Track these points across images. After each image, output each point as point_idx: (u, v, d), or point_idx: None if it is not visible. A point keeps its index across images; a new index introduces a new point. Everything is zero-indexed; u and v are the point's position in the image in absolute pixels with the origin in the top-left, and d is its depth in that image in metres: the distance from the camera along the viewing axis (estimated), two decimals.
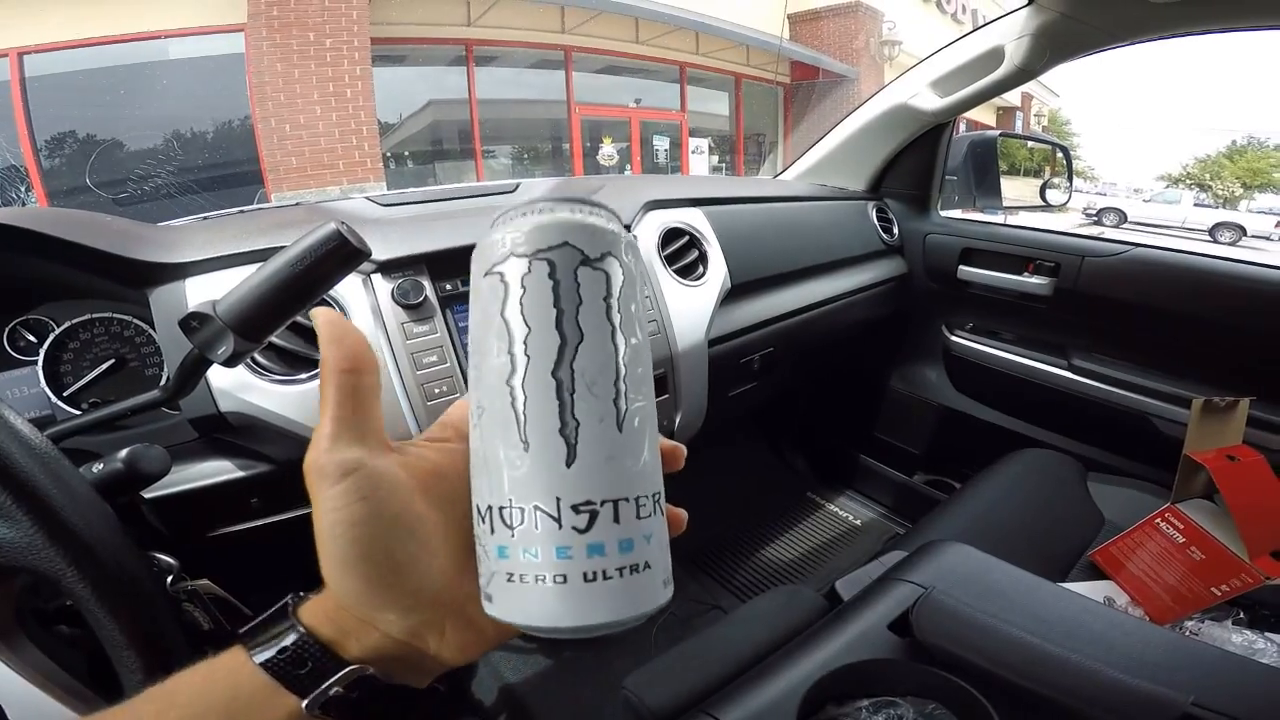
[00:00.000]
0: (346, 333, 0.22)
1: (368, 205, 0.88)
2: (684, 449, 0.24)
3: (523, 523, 0.19)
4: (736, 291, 0.92)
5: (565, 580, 0.19)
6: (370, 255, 0.43)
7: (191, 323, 0.41)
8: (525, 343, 0.20)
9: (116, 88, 4.89)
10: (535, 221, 0.21)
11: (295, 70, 5.04)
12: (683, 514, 0.24)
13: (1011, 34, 1.02)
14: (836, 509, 1.55)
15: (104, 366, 0.63)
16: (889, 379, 1.48)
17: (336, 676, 0.22)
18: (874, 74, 8.84)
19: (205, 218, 0.94)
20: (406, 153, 6.68)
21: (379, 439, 0.22)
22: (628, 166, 7.81)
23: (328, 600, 0.23)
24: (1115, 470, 0.99)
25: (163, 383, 0.63)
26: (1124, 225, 10.05)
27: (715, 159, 8.77)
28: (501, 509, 0.20)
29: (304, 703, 0.21)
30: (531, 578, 0.19)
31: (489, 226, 0.23)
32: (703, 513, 1.39)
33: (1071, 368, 1.17)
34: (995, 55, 1.06)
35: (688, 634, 1.12)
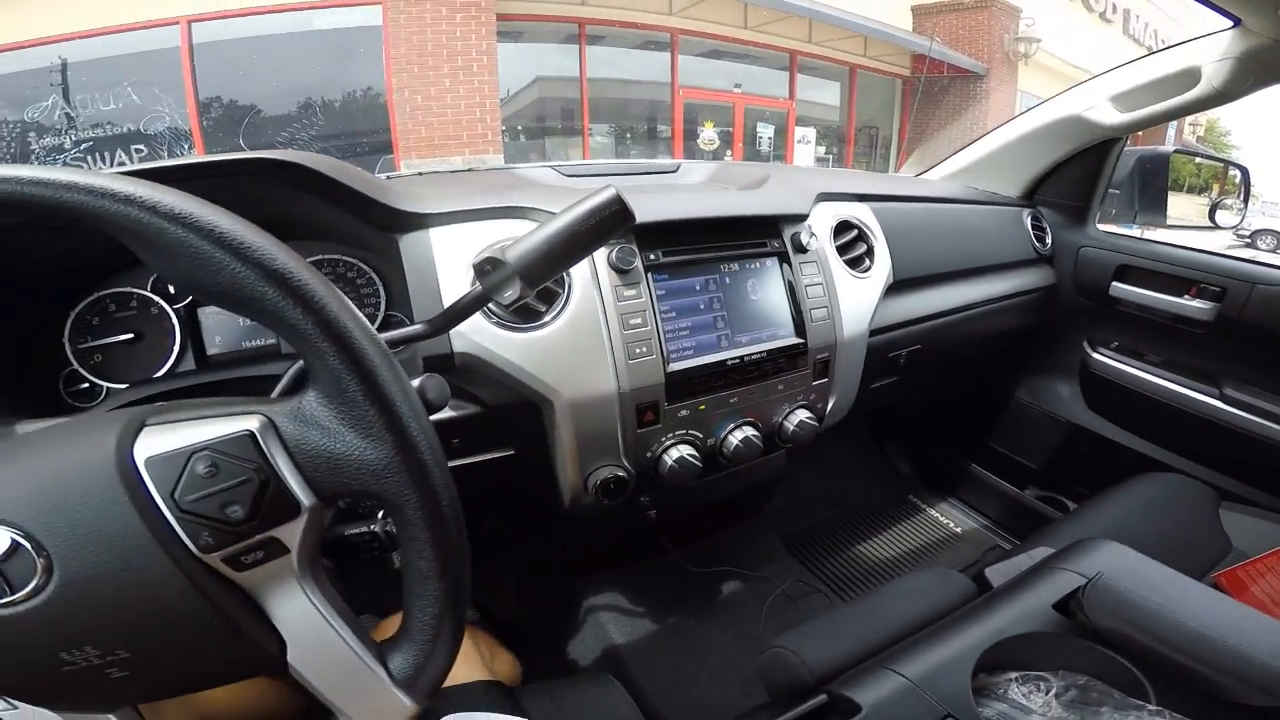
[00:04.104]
0: None
1: (554, 174, 0.96)
2: None
3: None
4: (895, 286, 0.94)
5: None
6: (636, 220, 0.48)
7: (485, 266, 0.46)
8: None
9: (263, 56, 5.27)
10: None
11: (428, 43, 5.29)
12: None
13: (1211, 56, 0.97)
14: (937, 515, 1.54)
15: None
16: (1015, 390, 1.45)
17: None
18: (1006, 71, 8.29)
19: (389, 177, 1.05)
20: (520, 127, 6.89)
21: None
22: (728, 152, 7.73)
23: None
24: (1253, 502, 0.96)
25: (376, 326, 0.66)
26: None
27: (822, 149, 8.53)
28: None
29: None
30: None
31: None
32: (803, 500, 1.42)
33: (1223, 397, 1.12)
34: (1190, 75, 1.02)
35: (791, 612, 1.18)
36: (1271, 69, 0.94)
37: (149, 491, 0.31)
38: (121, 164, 4.96)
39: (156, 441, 0.32)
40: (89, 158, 4.94)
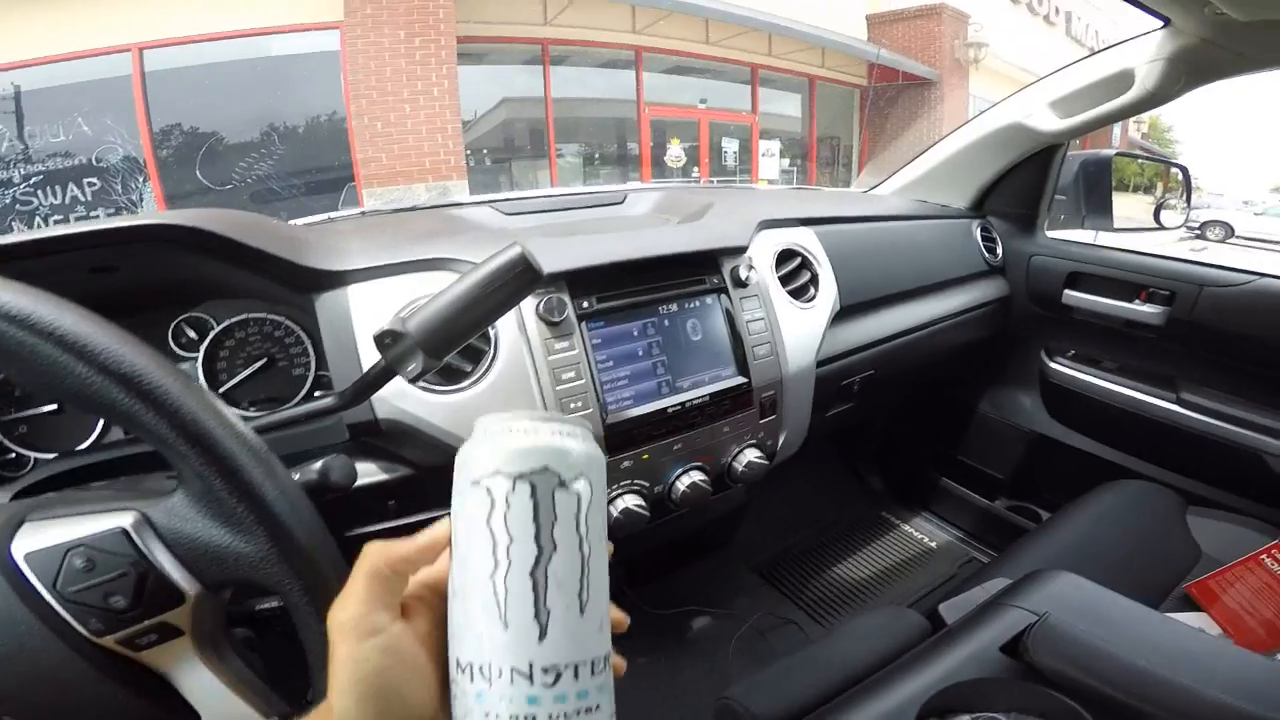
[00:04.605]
0: (429, 554, 0.28)
1: (493, 214, 0.93)
2: (627, 620, 0.30)
3: (500, 677, 0.24)
4: (843, 313, 0.92)
5: None
6: (546, 279, 0.46)
7: (385, 339, 0.43)
8: (508, 549, 0.24)
9: (221, 83, 5.14)
10: (519, 445, 0.25)
11: (387, 69, 5.21)
12: (625, 618, 0.29)
13: (1143, 57, 0.97)
14: (911, 530, 1.53)
15: (257, 365, 0.66)
16: (978, 403, 1.45)
17: None
18: (957, 77, 8.49)
19: (331, 218, 1.01)
20: (485, 149, 6.83)
21: (397, 608, 0.27)
22: (695, 168, 7.79)
23: None
24: (1218, 505, 0.96)
25: (305, 391, 0.66)
26: (1230, 240, 9.21)
27: (786, 162, 8.62)
28: (481, 666, 0.24)
29: None
30: (506, 717, 0.24)
31: (475, 434, 0.26)
32: (774, 525, 1.40)
33: (1180, 401, 1.12)
34: (1124, 78, 1.01)
35: (761, 645, 1.15)
36: (1202, 69, 0.94)
37: (31, 583, 0.33)
38: (74, 198, 4.80)
39: (33, 539, 0.33)
40: (39, 192, 4.76)
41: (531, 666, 0.24)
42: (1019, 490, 1.43)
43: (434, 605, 0.28)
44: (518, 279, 0.44)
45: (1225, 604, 0.74)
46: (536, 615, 0.24)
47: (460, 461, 0.26)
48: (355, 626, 0.26)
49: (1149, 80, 0.98)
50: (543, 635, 0.24)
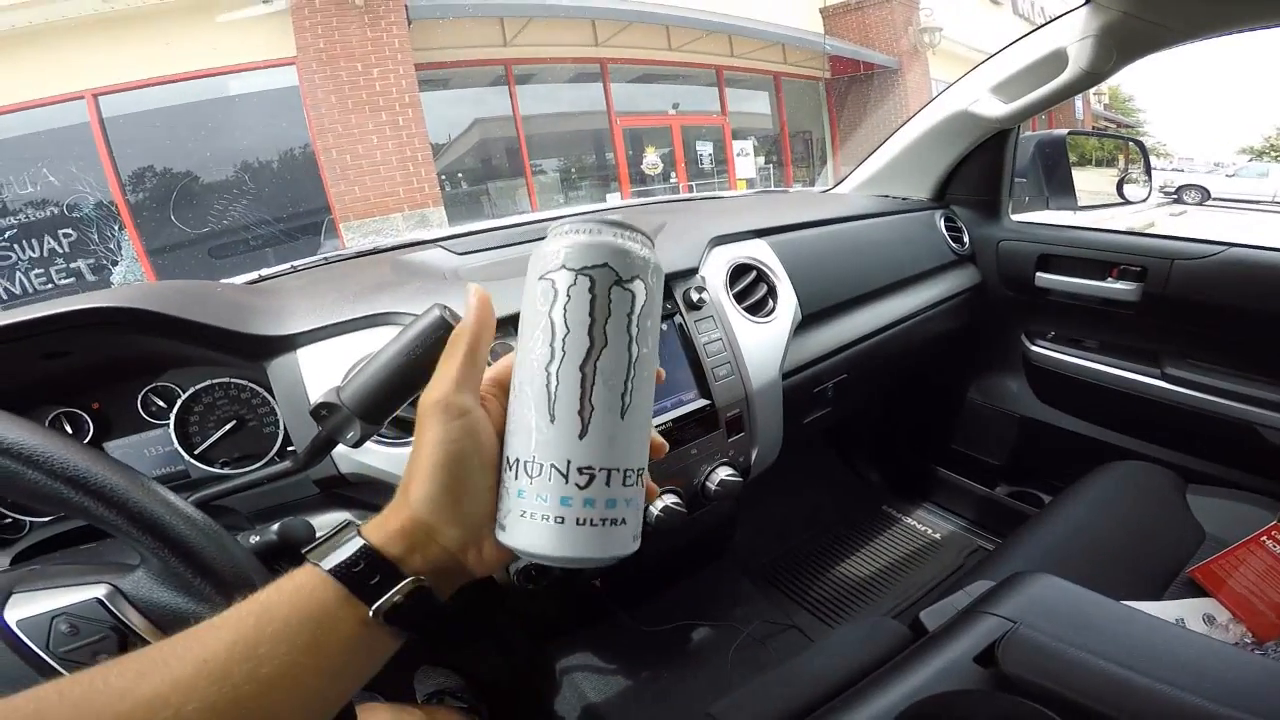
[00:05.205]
0: (489, 315, 0.30)
1: (445, 255, 0.91)
2: (666, 445, 0.32)
3: (539, 475, 0.26)
4: (807, 321, 0.90)
5: (562, 522, 0.26)
6: None
7: (321, 411, 0.44)
8: (564, 340, 0.26)
9: (187, 125, 5.11)
10: (584, 240, 0.27)
11: (349, 101, 5.20)
12: (664, 443, 0.31)
13: (1073, 35, 0.96)
14: (914, 523, 1.50)
15: (227, 428, 0.67)
16: (966, 391, 1.43)
17: (400, 585, 0.27)
18: (916, 62, 8.56)
19: (294, 267, 1.00)
20: (460, 173, 6.81)
21: (479, 393, 0.29)
22: (672, 173, 7.81)
23: (400, 519, 0.28)
24: (1218, 481, 0.94)
25: (278, 447, 0.67)
26: (1207, 203, 9.33)
27: (761, 160, 8.65)
28: (526, 462, 0.26)
29: (371, 610, 0.26)
30: (539, 516, 0.26)
31: (549, 233, 0.28)
32: (774, 527, 1.38)
33: (1165, 376, 1.10)
34: (1058, 58, 1.00)
35: (763, 654, 1.13)
36: (1130, 43, 0.93)
37: (27, 645, 0.38)
38: (52, 250, 4.76)
39: (23, 608, 0.39)
40: (16, 246, 4.68)
41: (569, 465, 0.26)
42: (1017, 475, 1.41)
43: (503, 402, 0.30)
44: (440, 342, 0.44)
45: (1232, 588, 0.72)
46: (580, 410, 0.26)
47: (533, 258, 0.28)
48: (447, 406, 0.27)
49: (1082, 58, 0.97)
50: (584, 432, 0.26)
